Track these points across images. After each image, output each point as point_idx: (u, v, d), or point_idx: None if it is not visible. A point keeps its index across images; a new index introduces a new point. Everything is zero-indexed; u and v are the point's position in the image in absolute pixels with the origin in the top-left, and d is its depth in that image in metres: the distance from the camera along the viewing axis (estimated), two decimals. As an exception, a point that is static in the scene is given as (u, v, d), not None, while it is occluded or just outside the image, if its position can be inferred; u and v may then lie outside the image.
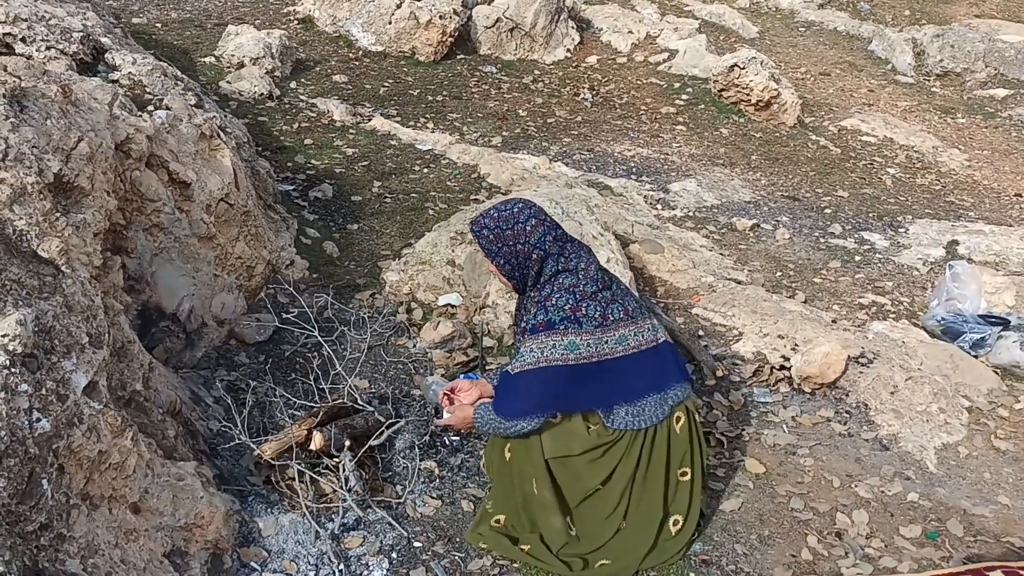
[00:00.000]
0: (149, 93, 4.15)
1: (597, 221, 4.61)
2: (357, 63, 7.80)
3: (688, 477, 2.86)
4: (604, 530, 2.84)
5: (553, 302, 2.68)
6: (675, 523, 2.88)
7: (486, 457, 3.06)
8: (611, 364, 2.70)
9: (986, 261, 5.32)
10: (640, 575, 2.84)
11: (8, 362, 2.04)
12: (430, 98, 7.31)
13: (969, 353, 4.23)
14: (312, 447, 3.01)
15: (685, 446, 2.83)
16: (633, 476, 2.79)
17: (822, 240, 5.59)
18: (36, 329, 2.15)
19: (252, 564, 2.68)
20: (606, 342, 2.70)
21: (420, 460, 3.19)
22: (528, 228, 2.72)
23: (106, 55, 4.38)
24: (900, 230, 5.84)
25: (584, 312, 2.68)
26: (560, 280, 2.71)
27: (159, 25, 7.84)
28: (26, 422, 2.03)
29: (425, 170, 5.87)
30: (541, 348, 2.65)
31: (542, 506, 2.83)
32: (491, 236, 2.74)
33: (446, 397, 3.00)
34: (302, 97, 6.87)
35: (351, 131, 6.38)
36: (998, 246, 5.49)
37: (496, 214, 2.76)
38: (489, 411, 2.77)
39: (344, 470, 2.97)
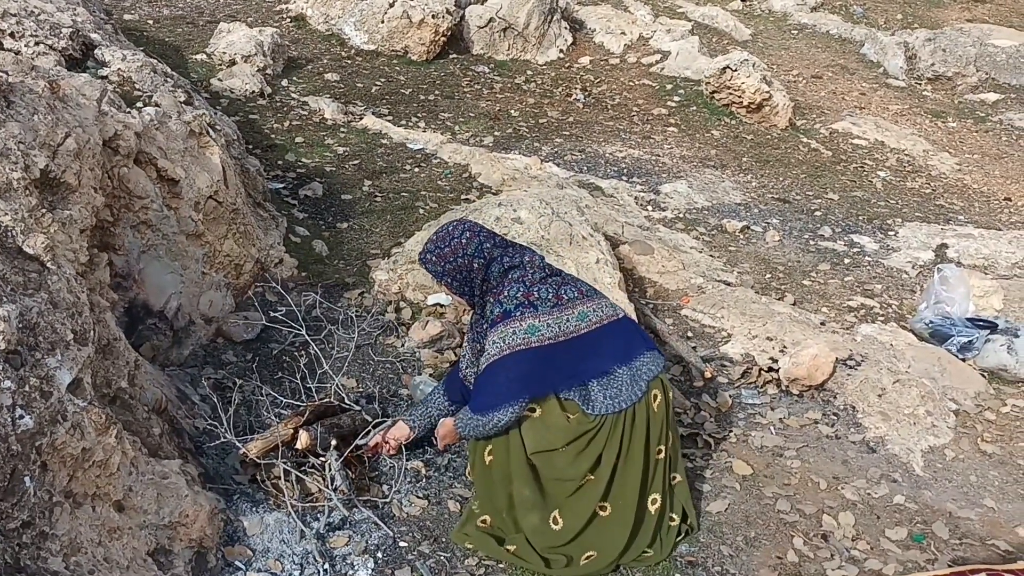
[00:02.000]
0: (138, 90, 4.13)
1: (587, 222, 4.61)
2: (349, 61, 7.78)
3: (662, 455, 2.88)
4: (586, 515, 2.84)
5: (506, 294, 2.76)
6: (653, 502, 2.89)
7: (469, 462, 3.06)
8: (577, 341, 2.76)
9: (975, 264, 5.34)
10: (626, 574, 2.85)
11: (-9, 358, 2.03)
12: (422, 97, 7.31)
13: (957, 356, 4.24)
14: (298, 446, 3.00)
15: (662, 423, 2.85)
16: (617, 461, 2.80)
17: (812, 242, 5.61)
18: (20, 325, 2.14)
19: (237, 563, 2.67)
20: (567, 320, 2.76)
21: (407, 460, 3.18)
22: (464, 240, 2.84)
23: (96, 51, 4.36)
24: (890, 233, 5.86)
25: (537, 295, 2.76)
26: (509, 275, 2.81)
27: (151, 22, 7.81)
28: (9, 419, 2.02)
29: (416, 169, 5.86)
30: (502, 337, 2.71)
31: (521, 503, 2.83)
32: (433, 258, 2.86)
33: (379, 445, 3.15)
34: (293, 95, 6.85)
35: (342, 130, 6.37)
36: (987, 249, 5.51)
37: (434, 237, 2.90)
38: (467, 413, 2.81)
39: (330, 469, 2.96)
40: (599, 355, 2.79)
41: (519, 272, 2.80)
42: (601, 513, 2.84)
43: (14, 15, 4.13)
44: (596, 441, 2.77)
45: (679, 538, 2.98)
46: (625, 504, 2.84)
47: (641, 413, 2.79)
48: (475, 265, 2.82)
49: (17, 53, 3.89)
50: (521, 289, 2.76)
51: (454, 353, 3.90)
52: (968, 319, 4.48)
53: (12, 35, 4.08)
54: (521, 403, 2.71)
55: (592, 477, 2.80)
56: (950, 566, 2.98)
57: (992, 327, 4.40)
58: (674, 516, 2.97)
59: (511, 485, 2.83)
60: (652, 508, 2.90)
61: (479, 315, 2.90)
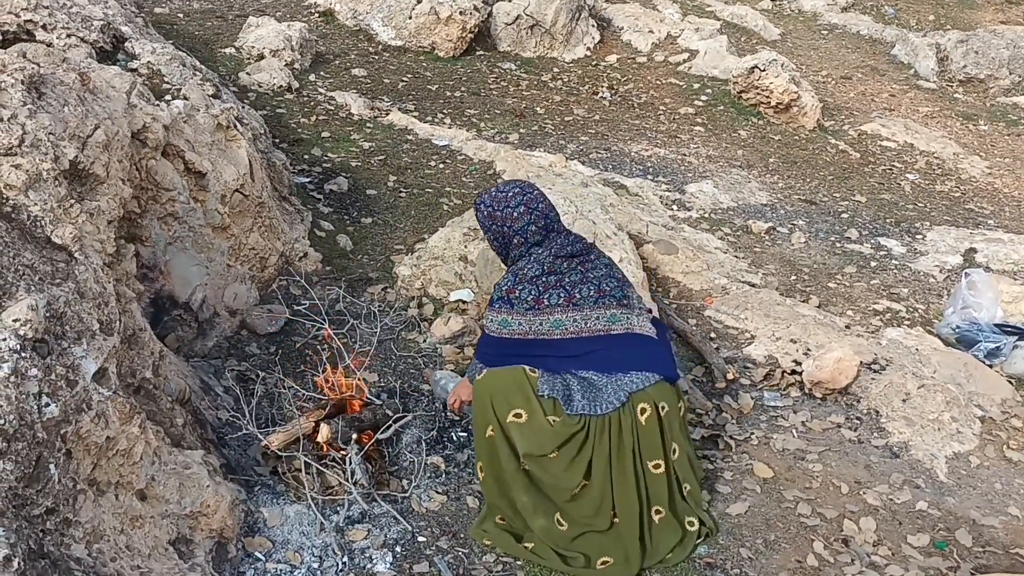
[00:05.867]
0: (167, 83, 4.17)
1: (611, 220, 4.60)
2: (376, 57, 7.81)
3: (661, 470, 2.87)
4: (597, 523, 2.85)
5: (501, 280, 2.90)
6: (657, 512, 2.89)
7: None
8: (544, 342, 2.86)
9: (1004, 270, 5.27)
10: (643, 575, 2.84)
11: (19, 347, 2.05)
12: (448, 94, 7.32)
13: (983, 362, 4.19)
14: (319, 439, 3.02)
15: (655, 439, 2.84)
16: (610, 468, 2.81)
17: (838, 245, 5.56)
18: (47, 314, 2.17)
19: (256, 554, 2.70)
20: (540, 323, 2.85)
21: (427, 455, 3.19)
22: (515, 215, 2.92)
23: (126, 44, 4.41)
24: (917, 236, 5.79)
25: (517, 295, 2.85)
26: (516, 264, 2.94)
27: (181, 15, 7.87)
28: (35, 407, 2.04)
29: (441, 165, 5.87)
30: (487, 319, 2.93)
31: (524, 509, 2.87)
32: (485, 212, 2.99)
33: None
34: (321, 90, 6.88)
35: (368, 125, 6.39)
36: (1016, 255, 5.43)
37: (496, 193, 2.99)
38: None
39: (350, 463, 2.98)
40: (577, 359, 2.86)
41: (523, 263, 2.90)
42: (615, 521, 2.86)
43: (46, 7, 4.18)
44: (585, 448, 2.79)
45: (699, 540, 2.97)
46: (626, 516, 2.85)
47: (627, 424, 2.80)
48: (515, 241, 2.94)
49: (49, 45, 3.94)
50: (508, 283, 2.86)
51: (474, 349, 3.90)
52: (996, 325, 4.42)
53: (44, 27, 4.13)
54: (480, 368, 2.91)
55: (587, 483, 2.82)
56: (972, 574, 2.95)
57: (1020, 333, 4.34)
58: (693, 521, 2.96)
59: (511, 492, 2.86)
60: (656, 518, 2.90)
61: None
